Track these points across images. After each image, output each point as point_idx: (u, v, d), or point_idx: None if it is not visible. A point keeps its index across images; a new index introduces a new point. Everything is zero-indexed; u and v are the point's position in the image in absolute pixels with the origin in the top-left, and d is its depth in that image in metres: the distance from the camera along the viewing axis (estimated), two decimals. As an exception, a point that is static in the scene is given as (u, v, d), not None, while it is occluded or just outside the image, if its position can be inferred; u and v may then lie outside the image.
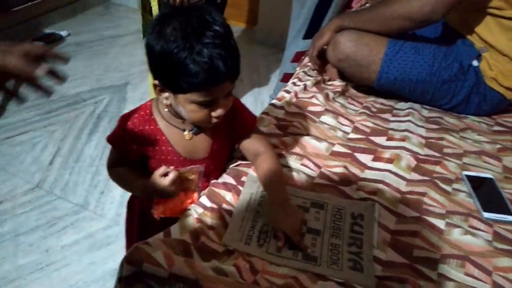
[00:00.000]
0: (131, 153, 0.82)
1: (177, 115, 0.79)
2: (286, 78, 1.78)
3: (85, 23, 2.91)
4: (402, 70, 1.21)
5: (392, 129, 1.16)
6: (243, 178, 0.90)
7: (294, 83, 1.35)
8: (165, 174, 0.75)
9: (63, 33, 2.74)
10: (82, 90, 2.20)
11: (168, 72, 0.69)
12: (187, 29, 0.66)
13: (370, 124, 1.17)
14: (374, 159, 1.02)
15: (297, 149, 1.02)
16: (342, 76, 1.39)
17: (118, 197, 1.56)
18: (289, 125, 1.11)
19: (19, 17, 2.60)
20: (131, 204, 1.00)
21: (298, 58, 1.76)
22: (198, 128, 0.82)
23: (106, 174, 0.87)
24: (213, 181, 0.89)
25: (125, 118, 0.82)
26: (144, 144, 0.81)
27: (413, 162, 1.01)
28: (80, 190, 1.60)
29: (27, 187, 1.59)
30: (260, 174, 0.86)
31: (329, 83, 1.39)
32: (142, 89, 2.23)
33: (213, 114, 0.73)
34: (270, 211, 0.80)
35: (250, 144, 0.89)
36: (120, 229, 1.41)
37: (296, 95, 1.26)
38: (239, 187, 0.88)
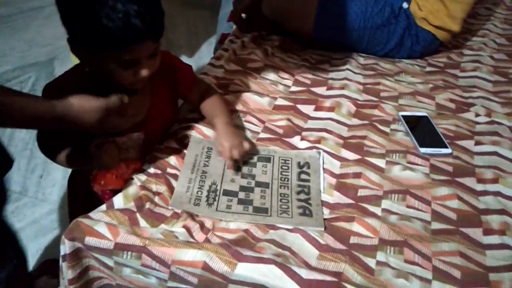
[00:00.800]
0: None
1: (104, 78, 0.73)
2: (223, 38, 1.71)
3: (-1, -4, 2.62)
4: (336, 18, 1.21)
5: (331, 78, 1.17)
6: (186, 141, 0.88)
7: (231, 41, 1.32)
8: (101, 145, 0.71)
9: (-26, 8, 2.46)
10: (5, 70, 2.00)
11: (80, 28, 0.62)
12: None
13: (310, 76, 1.17)
14: (316, 109, 1.03)
15: (239, 106, 1.00)
16: (280, 30, 1.37)
17: (60, 179, 1.47)
18: (230, 83, 1.08)
19: None
20: (72, 181, 0.94)
21: (234, 16, 1.70)
22: (133, 90, 0.76)
23: (43, 157, 0.79)
24: (155, 147, 0.85)
25: (49, 88, 0.73)
26: None
27: (353, 108, 1.03)
28: (17, 176, 1.48)
29: (-46, 180, 1.46)
30: (206, 108, 0.91)
31: (267, 38, 1.37)
32: (71, 63, 2.07)
33: (137, 75, 0.67)
34: (218, 131, 0.84)
35: (195, 94, 0.91)
36: (65, 212, 1.33)
37: (234, 52, 1.23)
38: (183, 150, 0.86)
